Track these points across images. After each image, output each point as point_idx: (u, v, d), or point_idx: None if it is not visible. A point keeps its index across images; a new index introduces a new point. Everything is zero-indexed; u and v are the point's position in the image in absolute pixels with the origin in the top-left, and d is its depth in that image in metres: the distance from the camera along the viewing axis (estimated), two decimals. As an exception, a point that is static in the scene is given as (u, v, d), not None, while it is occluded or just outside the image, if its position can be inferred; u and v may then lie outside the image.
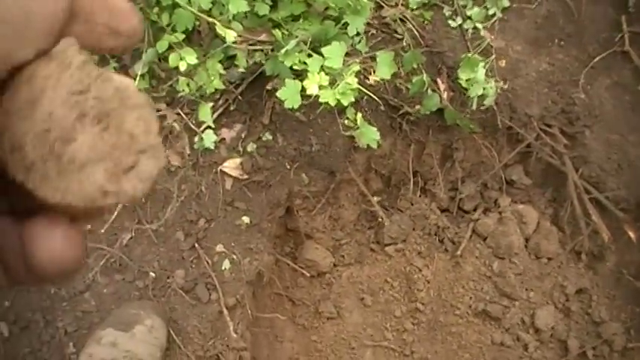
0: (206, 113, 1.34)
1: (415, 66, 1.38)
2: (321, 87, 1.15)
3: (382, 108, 1.46)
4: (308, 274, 1.55)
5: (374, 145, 1.32)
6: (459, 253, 1.52)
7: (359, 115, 1.30)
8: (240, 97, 1.45)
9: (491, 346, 1.51)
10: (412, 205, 1.57)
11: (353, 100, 1.18)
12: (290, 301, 1.56)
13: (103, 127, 0.22)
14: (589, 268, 1.54)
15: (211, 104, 1.40)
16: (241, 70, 1.36)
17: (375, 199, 1.58)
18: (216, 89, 1.30)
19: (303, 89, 1.16)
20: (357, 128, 1.31)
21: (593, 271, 1.54)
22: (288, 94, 1.20)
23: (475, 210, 1.57)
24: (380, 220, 1.56)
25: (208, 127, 1.42)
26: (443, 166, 1.57)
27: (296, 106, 1.20)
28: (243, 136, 1.47)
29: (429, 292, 1.52)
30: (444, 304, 1.51)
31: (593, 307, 1.52)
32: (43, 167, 0.22)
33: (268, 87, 1.41)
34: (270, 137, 1.47)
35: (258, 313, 1.44)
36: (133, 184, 0.23)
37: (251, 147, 1.45)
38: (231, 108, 1.46)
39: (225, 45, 1.19)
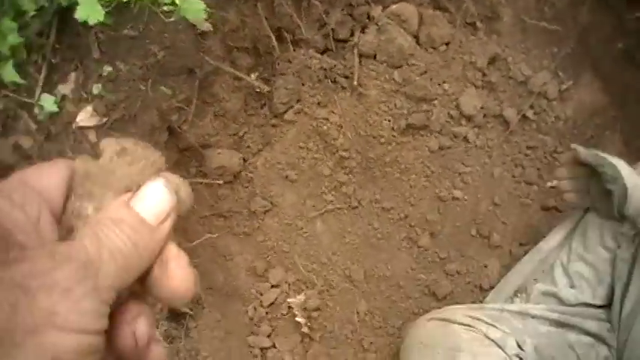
0: (9, 72, 1.20)
1: None
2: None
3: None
4: (223, 182, 1.42)
5: (202, 16, 1.18)
6: (355, 83, 1.39)
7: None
8: (57, 45, 1.31)
9: (431, 155, 1.39)
10: (290, 62, 1.43)
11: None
12: (220, 216, 1.43)
13: None
14: (490, 33, 1.42)
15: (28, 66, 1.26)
16: (32, 14, 1.22)
17: (252, 76, 1.45)
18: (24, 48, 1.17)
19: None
20: (180, 10, 1.17)
21: (495, 34, 1.41)
22: (87, 10, 1.06)
23: (352, 34, 1.44)
24: (266, 92, 1.43)
25: (43, 91, 1.28)
26: (300, 10, 1.44)
27: (102, 19, 1.06)
28: (81, 81, 1.33)
29: (346, 136, 1.39)
30: (367, 140, 1.38)
31: (512, 69, 1.39)
32: None
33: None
34: (110, 69, 1.33)
35: (194, 243, 1.32)
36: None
37: (96, 88, 1.31)
38: (55, 60, 1.31)
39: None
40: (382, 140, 1.38)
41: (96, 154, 0.28)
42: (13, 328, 0.19)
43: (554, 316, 1.14)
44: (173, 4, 1.21)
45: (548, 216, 1.35)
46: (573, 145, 1.11)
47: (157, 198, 0.26)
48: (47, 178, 0.25)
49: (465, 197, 1.36)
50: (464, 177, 1.38)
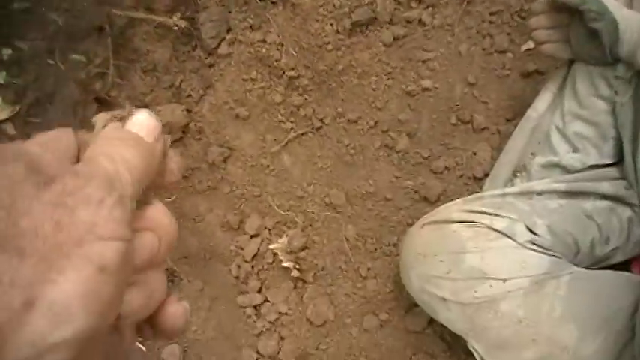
0: None
1: None
2: None
3: None
4: (173, 140, 1.27)
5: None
6: (285, -8, 1.22)
7: None
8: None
9: (388, 50, 1.23)
10: (209, -10, 1.27)
11: None
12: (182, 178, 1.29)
13: None
14: None
15: None
16: None
17: (174, 18, 1.29)
18: None
19: None
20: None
21: None
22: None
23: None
24: (194, 31, 1.27)
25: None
26: None
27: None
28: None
29: (289, 53, 1.23)
30: (313, 52, 1.23)
31: None
32: None
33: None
34: (10, 51, 1.19)
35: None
36: None
37: (0, 77, 1.17)
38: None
39: None
40: (329, 48, 1.22)
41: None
42: (60, 242, 0.20)
43: (562, 187, 0.99)
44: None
45: (531, 82, 1.20)
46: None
47: (145, 122, 0.27)
48: (63, 142, 0.26)
49: (436, 85, 1.21)
50: (429, 64, 1.22)
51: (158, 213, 0.28)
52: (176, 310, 0.29)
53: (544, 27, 0.99)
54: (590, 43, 0.92)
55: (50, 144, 0.26)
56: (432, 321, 1.07)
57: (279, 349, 1.11)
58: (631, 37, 0.87)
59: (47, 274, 0.20)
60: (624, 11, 0.88)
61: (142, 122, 0.28)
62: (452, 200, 1.02)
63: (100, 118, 0.29)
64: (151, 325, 0.29)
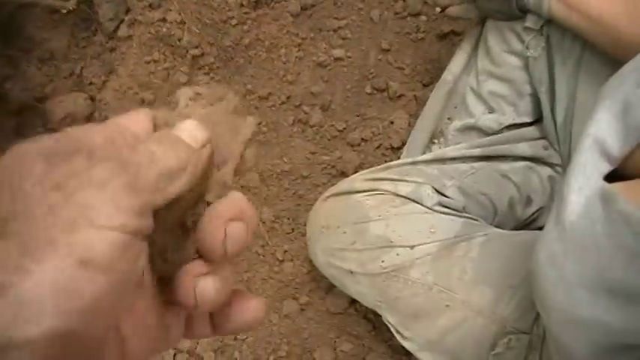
0: None
1: None
2: None
3: None
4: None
5: None
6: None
7: None
8: None
9: (296, 20, 1.17)
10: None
11: None
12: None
13: None
14: None
15: None
16: None
17: (70, 2, 1.20)
18: None
19: None
20: None
21: None
22: None
23: None
24: (92, 14, 1.19)
25: None
26: None
27: None
28: None
29: (191, 31, 1.16)
30: (217, 27, 1.16)
31: None
32: None
33: None
34: None
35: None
36: None
37: None
38: None
39: None
40: (234, 22, 1.16)
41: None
42: (50, 226, 0.19)
43: (476, 152, 0.94)
44: None
45: (448, 44, 1.14)
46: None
47: (191, 129, 0.26)
48: (139, 123, 0.25)
49: (348, 54, 1.15)
50: (340, 32, 1.16)
51: (242, 202, 0.26)
52: (257, 304, 0.28)
53: None
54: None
55: (122, 124, 0.24)
56: (353, 301, 1.01)
57: (197, 343, 1.04)
58: None
59: (24, 262, 0.18)
60: None
61: (188, 128, 0.26)
62: (370, 172, 0.96)
63: (182, 95, 0.28)
64: (211, 319, 0.28)
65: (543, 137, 0.96)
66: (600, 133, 0.53)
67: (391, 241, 0.83)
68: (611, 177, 0.53)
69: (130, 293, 0.21)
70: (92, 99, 1.20)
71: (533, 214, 0.96)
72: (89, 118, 1.19)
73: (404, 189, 0.87)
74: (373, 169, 0.94)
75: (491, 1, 0.88)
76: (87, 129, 0.23)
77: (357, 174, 0.94)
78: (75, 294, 0.18)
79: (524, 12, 0.86)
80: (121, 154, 0.21)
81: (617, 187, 0.51)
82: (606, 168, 0.53)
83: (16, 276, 0.18)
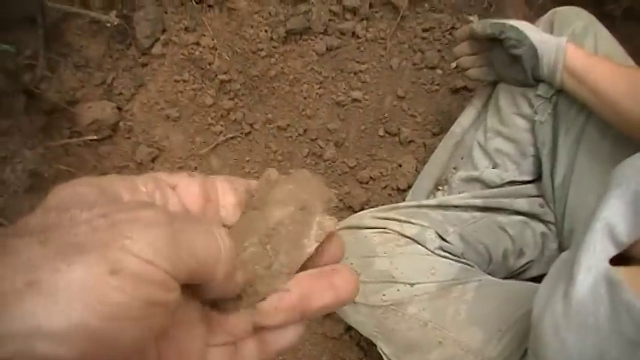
0: None
1: None
2: None
3: None
4: (102, 138, 1.25)
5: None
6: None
7: None
8: None
9: (320, 59, 1.24)
10: None
11: None
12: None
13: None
14: None
15: None
16: None
17: (110, 15, 1.27)
18: None
19: None
20: None
21: None
22: None
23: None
24: (129, 29, 1.26)
25: None
26: None
27: None
28: None
29: (222, 57, 1.23)
30: (246, 57, 1.23)
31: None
32: None
33: None
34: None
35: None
36: None
37: None
38: None
39: None
40: (263, 54, 1.23)
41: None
42: (88, 241, 0.20)
43: (478, 202, 1.01)
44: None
45: (459, 98, 1.23)
46: (472, 17, 0.98)
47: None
48: (189, 189, 0.30)
49: (366, 97, 1.23)
50: (360, 76, 1.24)
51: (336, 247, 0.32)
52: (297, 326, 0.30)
53: (467, 54, 1.02)
54: (512, 67, 0.95)
55: (179, 186, 0.30)
56: (349, 328, 1.07)
57: None
58: (549, 59, 0.90)
59: (57, 263, 0.20)
60: (542, 35, 0.92)
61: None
62: (375, 210, 1.03)
63: (271, 173, 0.32)
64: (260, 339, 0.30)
65: (540, 195, 1.04)
66: (612, 219, 0.56)
67: (393, 277, 0.89)
68: (615, 257, 0.58)
69: (163, 318, 0.22)
70: (119, 109, 1.26)
71: (524, 265, 1.03)
72: (114, 127, 1.25)
73: (410, 230, 0.94)
74: (381, 207, 1.01)
75: (509, 69, 0.96)
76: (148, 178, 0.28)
77: (366, 211, 1.01)
78: (103, 297, 0.20)
79: (537, 81, 0.95)
80: (172, 213, 0.24)
81: (622, 272, 0.54)
82: (613, 252, 0.56)
83: (50, 274, 0.19)
